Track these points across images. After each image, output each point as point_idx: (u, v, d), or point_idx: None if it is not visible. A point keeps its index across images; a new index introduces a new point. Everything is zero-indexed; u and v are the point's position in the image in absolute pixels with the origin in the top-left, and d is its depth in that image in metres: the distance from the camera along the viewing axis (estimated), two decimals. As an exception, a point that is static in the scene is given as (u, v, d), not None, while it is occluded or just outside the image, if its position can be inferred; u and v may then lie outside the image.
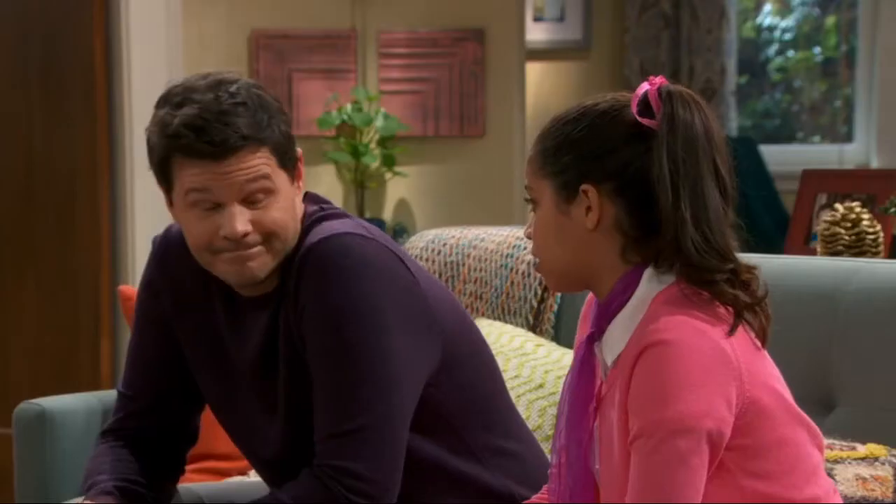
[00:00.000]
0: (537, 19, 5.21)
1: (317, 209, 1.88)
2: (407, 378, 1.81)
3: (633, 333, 1.56)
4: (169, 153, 1.80)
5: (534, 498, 1.80)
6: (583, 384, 1.62)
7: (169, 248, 1.96)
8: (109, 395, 2.63)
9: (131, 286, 3.01)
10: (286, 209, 1.82)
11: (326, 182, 4.35)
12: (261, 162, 1.79)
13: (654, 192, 1.55)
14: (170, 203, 1.87)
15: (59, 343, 4.05)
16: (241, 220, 1.79)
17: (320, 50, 4.36)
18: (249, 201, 1.80)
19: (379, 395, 1.78)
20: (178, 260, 1.93)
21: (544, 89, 5.16)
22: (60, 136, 4.04)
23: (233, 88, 1.81)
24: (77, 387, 3.26)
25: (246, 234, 1.80)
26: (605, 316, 1.60)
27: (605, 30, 5.38)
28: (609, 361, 1.60)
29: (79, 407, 2.48)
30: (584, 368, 1.62)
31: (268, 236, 1.81)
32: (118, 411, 2.01)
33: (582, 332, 1.68)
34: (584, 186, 1.58)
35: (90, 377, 3.95)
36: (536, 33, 5.14)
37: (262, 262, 1.82)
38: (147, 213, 3.98)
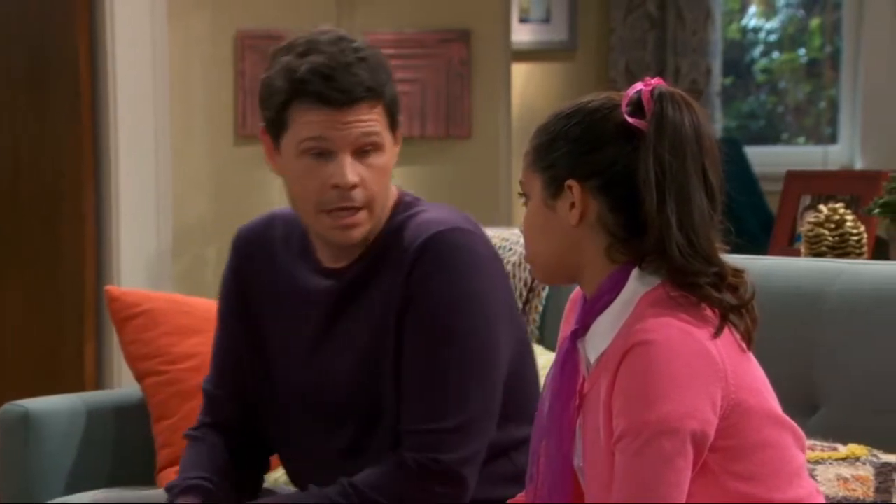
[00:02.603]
0: (523, 20, 5.21)
1: (402, 193, 1.97)
2: (502, 374, 1.89)
3: (619, 333, 1.57)
4: (292, 97, 1.87)
5: (518, 497, 1.80)
6: (565, 380, 1.63)
7: (250, 234, 2.03)
8: (93, 397, 2.62)
9: (116, 287, 3.00)
10: (386, 172, 1.91)
11: (312, 183, 4.34)
12: (376, 118, 1.89)
13: (639, 193, 1.56)
14: (274, 152, 1.92)
15: (44, 344, 4.03)
16: (351, 171, 1.87)
17: (306, 51, 4.34)
18: (359, 153, 1.88)
19: (482, 389, 1.86)
20: (261, 244, 2.01)
21: (530, 90, 5.16)
22: (45, 138, 4.03)
23: (355, 45, 1.90)
24: (61, 388, 3.25)
25: (355, 186, 1.87)
26: (590, 313, 1.61)
27: (591, 31, 5.38)
28: (592, 359, 1.61)
29: (63, 408, 2.48)
30: (567, 365, 1.63)
31: (370, 200, 1.89)
32: (202, 411, 2.07)
33: (565, 328, 1.69)
34: (568, 182, 1.59)
35: (74, 378, 3.94)
36: (522, 34, 5.14)
37: (362, 230, 1.90)
38: (132, 214, 3.97)
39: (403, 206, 1.95)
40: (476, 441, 1.86)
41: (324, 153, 1.87)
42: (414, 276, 1.87)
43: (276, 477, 2.31)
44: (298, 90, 1.86)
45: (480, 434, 1.86)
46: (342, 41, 1.89)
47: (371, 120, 1.88)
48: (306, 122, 1.87)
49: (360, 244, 1.92)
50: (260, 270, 2.01)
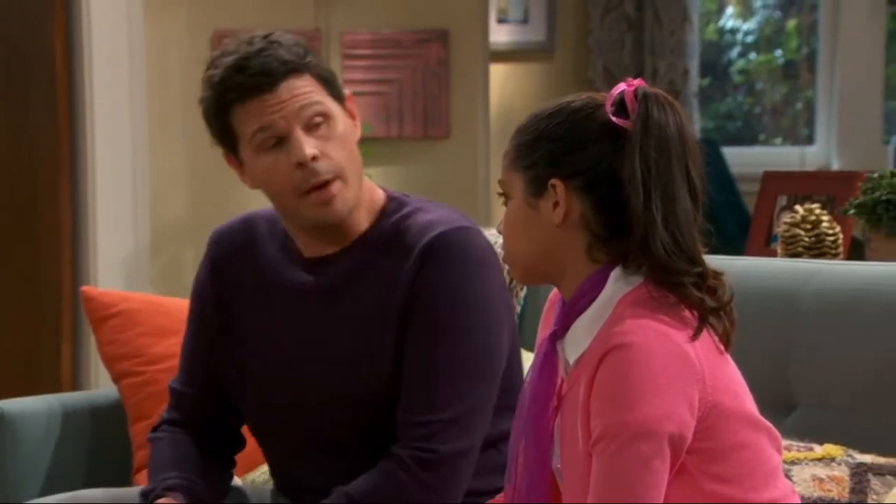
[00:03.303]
0: (501, 21, 5.21)
1: (388, 192, 1.98)
2: (501, 370, 1.91)
3: (598, 334, 1.57)
4: (222, 104, 1.89)
5: (497, 498, 1.81)
6: (544, 382, 1.63)
7: (230, 232, 2.04)
8: (70, 398, 2.61)
9: (93, 287, 2.99)
10: (346, 140, 1.90)
11: (290, 183, 4.34)
12: (308, 87, 1.89)
13: (623, 192, 1.57)
14: (240, 165, 1.94)
15: (21, 345, 4.02)
16: (308, 144, 1.87)
17: (284, 50, 4.33)
18: (310, 127, 1.88)
19: (483, 385, 1.87)
20: (243, 241, 2.01)
21: (508, 91, 5.16)
22: (22, 137, 4.01)
23: (263, 35, 1.91)
24: (38, 389, 3.24)
25: (315, 158, 1.87)
26: (569, 314, 1.61)
27: (569, 32, 5.39)
28: (571, 360, 1.61)
29: (39, 409, 2.47)
30: (546, 366, 1.63)
31: (339, 169, 1.89)
32: (168, 408, 2.06)
33: (544, 330, 1.69)
34: (552, 181, 1.59)
35: (51, 379, 3.92)
36: (500, 35, 5.14)
37: (342, 198, 1.89)
38: (109, 214, 3.95)
39: (395, 203, 1.96)
40: (473, 435, 1.87)
41: (279, 141, 1.88)
42: (423, 275, 1.88)
43: (254, 478, 2.30)
44: (222, 91, 1.88)
45: (477, 428, 1.88)
46: (253, 37, 1.92)
47: (305, 91, 1.88)
48: (246, 119, 1.88)
49: (346, 226, 1.93)
50: (241, 267, 2.01)
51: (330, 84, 1.91)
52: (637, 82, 1.60)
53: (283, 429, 1.99)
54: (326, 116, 1.89)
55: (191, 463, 1.99)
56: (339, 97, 1.92)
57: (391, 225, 1.93)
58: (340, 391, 1.92)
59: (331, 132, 1.89)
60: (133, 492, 2.05)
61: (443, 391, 1.86)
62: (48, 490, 2.43)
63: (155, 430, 2.07)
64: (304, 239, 1.96)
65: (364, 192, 1.95)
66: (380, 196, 1.97)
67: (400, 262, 1.90)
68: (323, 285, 1.94)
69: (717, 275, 1.60)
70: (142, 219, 4.01)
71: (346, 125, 1.91)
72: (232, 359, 2.02)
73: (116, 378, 2.56)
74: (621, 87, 1.60)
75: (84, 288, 2.69)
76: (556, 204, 1.59)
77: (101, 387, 3.67)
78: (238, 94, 1.87)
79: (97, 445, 2.51)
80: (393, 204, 1.96)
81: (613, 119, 1.58)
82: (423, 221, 1.92)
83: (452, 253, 1.88)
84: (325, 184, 1.88)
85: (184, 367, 2.07)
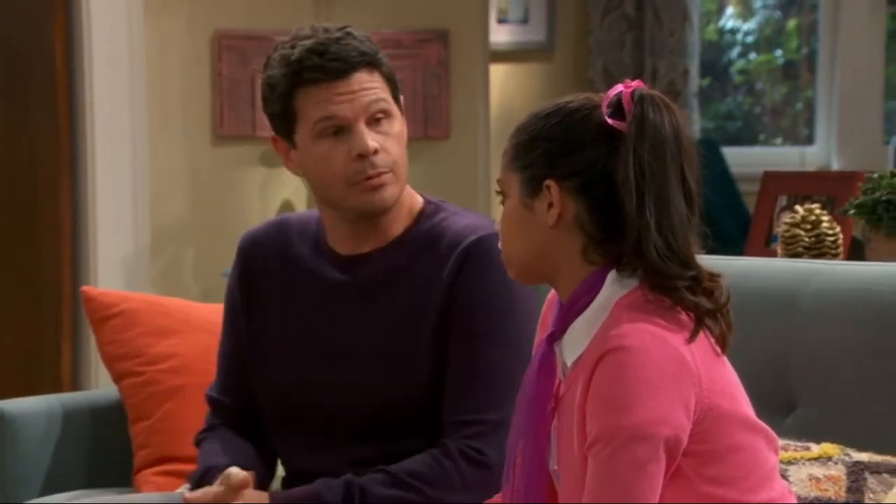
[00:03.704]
0: (501, 21, 5.21)
1: (426, 196, 2.03)
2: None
3: (595, 337, 1.57)
4: (294, 82, 1.93)
5: (495, 498, 1.81)
6: (542, 383, 1.63)
7: (259, 236, 2.06)
8: (71, 398, 2.62)
9: (93, 287, 2.99)
10: (401, 139, 1.97)
11: (292, 184, 4.34)
12: (377, 84, 1.95)
13: (618, 194, 1.56)
14: (290, 151, 1.97)
15: (21, 345, 4.02)
16: (370, 138, 1.93)
17: (284, 51, 4.33)
18: (371, 122, 1.94)
19: (518, 388, 1.87)
20: (272, 242, 2.04)
21: (508, 91, 5.16)
22: (22, 138, 4.01)
23: (339, 26, 1.99)
24: (38, 389, 3.24)
25: (376, 151, 1.93)
26: (567, 316, 1.61)
27: (569, 32, 5.39)
28: (569, 362, 1.61)
29: (39, 409, 2.47)
30: (544, 367, 1.63)
31: (393, 163, 1.95)
32: (209, 416, 2.08)
33: (542, 333, 1.69)
34: (547, 182, 1.59)
35: (51, 379, 3.93)
36: (500, 35, 5.14)
37: (391, 191, 1.95)
38: (109, 214, 3.96)
39: (433, 207, 2.02)
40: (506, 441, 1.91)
41: (339, 130, 1.93)
42: (462, 278, 1.93)
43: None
44: (297, 71, 1.94)
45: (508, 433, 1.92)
46: (323, 27, 2.00)
47: (374, 87, 1.95)
48: (314, 104, 1.93)
49: (384, 225, 1.97)
50: (272, 266, 2.04)
51: (394, 85, 1.98)
52: (635, 84, 1.60)
53: (307, 424, 2.01)
54: (387, 114, 1.96)
55: (247, 454, 2.01)
56: (397, 99, 1.99)
57: (428, 228, 1.98)
58: (370, 388, 1.95)
59: (389, 129, 1.96)
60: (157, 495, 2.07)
61: (486, 394, 1.91)
62: (49, 489, 2.43)
63: (202, 432, 2.08)
64: (342, 233, 2.00)
65: (404, 195, 2.00)
66: (418, 200, 2.03)
67: (437, 264, 1.94)
68: (357, 283, 1.98)
69: (714, 277, 1.59)
70: (142, 219, 4.01)
71: (402, 126, 1.98)
72: (258, 355, 2.04)
73: (117, 378, 2.56)
74: (618, 88, 1.59)
75: (84, 288, 2.69)
76: (550, 205, 1.59)
77: (101, 387, 3.67)
78: (313, 75, 1.92)
79: (97, 445, 2.51)
80: (431, 208, 2.02)
81: (609, 120, 1.58)
82: (460, 226, 1.97)
83: (491, 258, 1.91)
84: (378, 174, 1.94)
85: (220, 376, 2.10)
